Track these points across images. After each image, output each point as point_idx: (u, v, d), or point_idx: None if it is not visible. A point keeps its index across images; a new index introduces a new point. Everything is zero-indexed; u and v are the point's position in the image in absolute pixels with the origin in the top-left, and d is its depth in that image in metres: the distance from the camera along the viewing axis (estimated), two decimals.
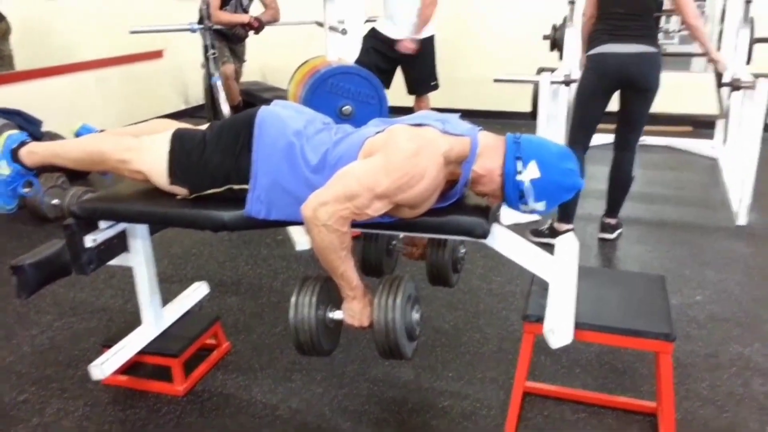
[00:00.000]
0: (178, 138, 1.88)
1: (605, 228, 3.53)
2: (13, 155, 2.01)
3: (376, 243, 2.18)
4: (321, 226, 1.61)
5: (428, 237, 2.08)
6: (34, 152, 2.02)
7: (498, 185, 1.74)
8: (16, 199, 2.08)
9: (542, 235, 3.42)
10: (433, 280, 2.19)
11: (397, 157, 1.66)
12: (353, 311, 1.75)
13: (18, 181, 2.05)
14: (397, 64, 4.58)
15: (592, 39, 3.22)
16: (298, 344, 1.79)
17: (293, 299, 1.77)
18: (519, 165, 1.69)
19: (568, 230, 3.42)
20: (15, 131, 2.08)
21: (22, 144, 2.03)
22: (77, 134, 2.28)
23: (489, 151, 1.74)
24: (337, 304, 1.81)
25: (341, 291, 1.75)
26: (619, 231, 3.55)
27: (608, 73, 3.14)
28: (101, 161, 1.94)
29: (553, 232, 3.38)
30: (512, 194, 1.73)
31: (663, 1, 3.23)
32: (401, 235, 2.19)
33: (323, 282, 1.79)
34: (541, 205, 1.73)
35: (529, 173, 1.69)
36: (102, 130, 2.54)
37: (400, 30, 4.41)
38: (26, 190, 2.08)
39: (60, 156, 2.03)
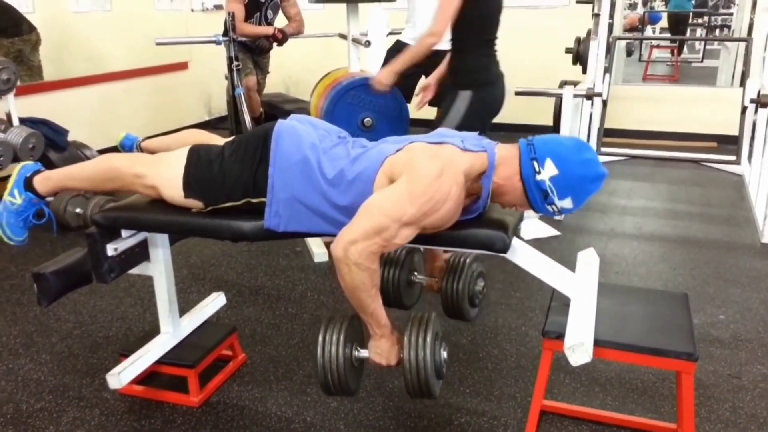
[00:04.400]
0: (195, 152, 1.90)
1: None
2: (27, 184, 2.01)
3: (398, 274, 2.14)
4: (352, 265, 1.60)
5: (450, 250, 2.07)
6: (48, 178, 2.02)
7: (520, 191, 1.73)
8: (27, 230, 2.06)
9: None
10: (448, 312, 2.17)
11: (420, 183, 1.64)
12: (381, 350, 1.74)
13: (29, 210, 2.02)
14: (421, 76, 4.57)
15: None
16: (325, 384, 1.76)
17: (320, 338, 1.75)
18: (536, 165, 1.68)
19: None
20: (29, 162, 2.07)
21: (37, 173, 2.02)
22: (121, 144, 2.32)
23: (506, 161, 1.73)
24: (362, 342, 1.80)
25: (369, 329, 1.75)
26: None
27: None
28: (115, 177, 1.95)
29: None
30: (536, 196, 1.71)
31: None
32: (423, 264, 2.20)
33: (350, 320, 1.78)
34: (568, 202, 1.70)
35: (547, 171, 1.68)
36: (144, 138, 2.56)
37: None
38: (38, 220, 2.04)
39: (74, 177, 2.03)
